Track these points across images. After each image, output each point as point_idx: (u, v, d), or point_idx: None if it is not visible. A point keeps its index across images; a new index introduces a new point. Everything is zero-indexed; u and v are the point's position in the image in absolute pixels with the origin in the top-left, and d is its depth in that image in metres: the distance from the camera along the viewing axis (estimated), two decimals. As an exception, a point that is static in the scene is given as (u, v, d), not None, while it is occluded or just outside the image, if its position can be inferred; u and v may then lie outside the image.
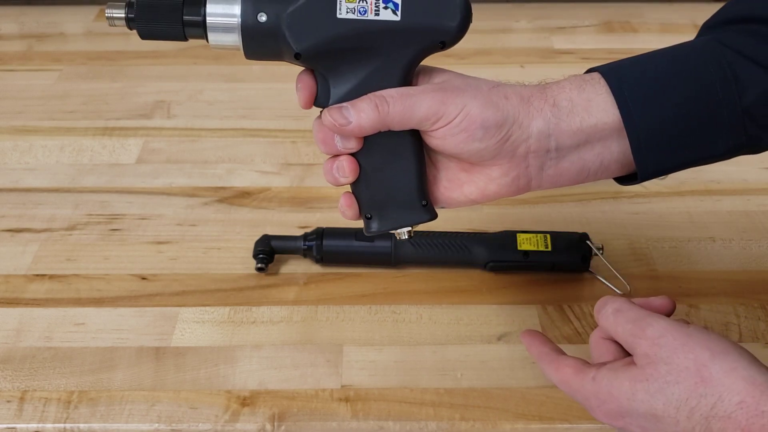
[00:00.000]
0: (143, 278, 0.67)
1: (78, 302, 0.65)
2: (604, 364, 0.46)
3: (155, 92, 0.94)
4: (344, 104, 0.48)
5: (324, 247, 0.67)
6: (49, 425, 0.56)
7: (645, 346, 0.44)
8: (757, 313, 0.64)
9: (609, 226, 0.73)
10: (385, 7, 0.47)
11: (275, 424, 0.56)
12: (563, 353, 0.50)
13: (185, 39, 0.50)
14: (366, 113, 0.47)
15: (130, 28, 0.49)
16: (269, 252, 0.67)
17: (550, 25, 1.08)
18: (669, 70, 0.50)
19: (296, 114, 0.88)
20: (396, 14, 0.47)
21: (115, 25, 0.49)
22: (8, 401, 0.57)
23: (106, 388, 0.58)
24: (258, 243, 0.68)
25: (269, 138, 0.85)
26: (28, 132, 0.86)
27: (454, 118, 0.47)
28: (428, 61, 0.51)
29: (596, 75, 0.50)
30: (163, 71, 0.98)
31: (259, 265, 0.66)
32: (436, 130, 0.48)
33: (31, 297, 0.66)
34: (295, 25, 0.47)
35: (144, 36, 0.50)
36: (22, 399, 0.57)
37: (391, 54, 0.48)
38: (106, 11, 0.49)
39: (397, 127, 0.48)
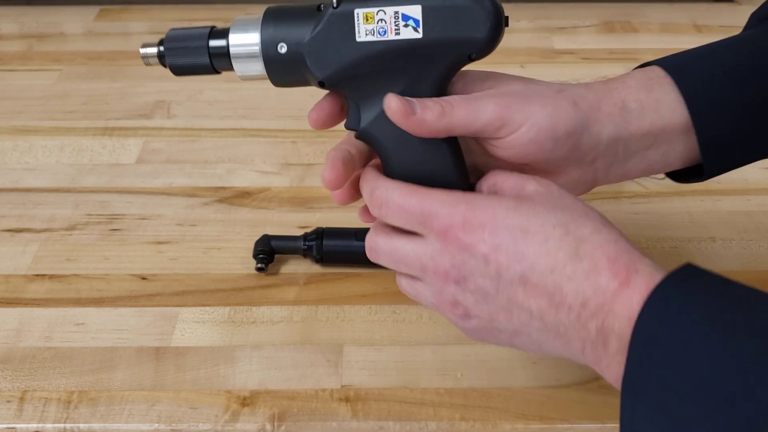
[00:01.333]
0: (143, 278, 0.67)
1: (78, 302, 0.65)
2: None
3: (155, 92, 0.94)
4: (409, 98, 0.46)
5: (324, 247, 0.67)
6: (49, 425, 0.56)
7: (530, 189, 0.45)
8: (757, 313, 0.64)
9: (609, 226, 0.73)
10: (406, 25, 0.45)
11: (275, 424, 0.56)
12: None
13: (215, 71, 0.50)
14: (431, 111, 0.45)
15: (164, 65, 0.50)
16: (269, 252, 0.67)
17: (551, 25, 1.08)
18: (735, 66, 0.49)
19: (296, 114, 0.88)
20: (417, 31, 0.45)
21: (150, 64, 0.51)
22: (8, 401, 0.57)
23: (106, 388, 0.58)
24: (258, 243, 0.68)
25: (269, 138, 0.85)
26: (28, 132, 0.86)
27: (521, 127, 0.45)
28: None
29: (661, 72, 0.49)
30: (163, 71, 0.97)
31: (259, 265, 0.66)
32: (501, 138, 0.46)
33: (31, 297, 0.66)
34: (315, 54, 0.46)
35: (177, 71, 0.50)
36: (22, 399, 0.57)
37: (419, 72, 0.47)
38: (141, 50, 0.50)
39: (459, 131, 0.46)
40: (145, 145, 0.84)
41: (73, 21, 1.11)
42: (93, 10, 1.13)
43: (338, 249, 0.67)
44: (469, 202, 0.44)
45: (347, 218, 0.74)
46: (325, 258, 0.67)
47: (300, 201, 0.76)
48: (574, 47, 1.02)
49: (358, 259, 0.68)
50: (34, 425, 0.56)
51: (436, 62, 0.47)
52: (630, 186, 0.78)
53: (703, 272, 0.40)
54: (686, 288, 0.39)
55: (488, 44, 0.46)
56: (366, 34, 0.46)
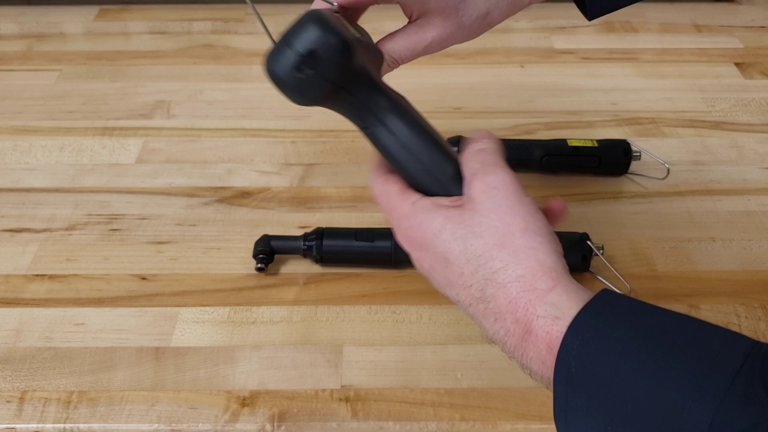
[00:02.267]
0: (143, 278, 0.67)
1: (78, 302, 0.65)
2: (432, 196, 0.47)
3: (155, 92, 0.93)
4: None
5: (324, 247, 0.67)
6: (48, 425, 0.56)
7: (477, 189, 0.45)
8: (757, 313, 0.64)
9: (609, 226, 0.73)
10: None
11: (275, 424, 0.56)
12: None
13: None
14: None
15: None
16: (269, 252, 0.67)
17: (551, 25, 1.08)
18: None
19: (296, 114, 0.88)
20: None
21: None
22: (8, 401, 0.57)
23: (105, 388, 0.58)
24: (258, 243, 0.68)
25: (269, 138, 0.85)
26: (28, 132, 0.86)
27: None
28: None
29: None
30: (163, 71, 0.98)
31: (259, 265, 0.66)
32: None
33: (30, 297, 0.66)
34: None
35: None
36: (21, 399, 0.57)
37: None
38: None
39: None
40: (145, 145, 0.84)
41: (73, 21, 1.11)
42: (93, 10, 1.13)
43: (338, 249, 0.67)
44: (409, 216, 0.47)
45: (347, 218, 0.74)
46: (325, 258, 0.67)
47: (300, 201, 0.76)
48: (573, 47, 1.02)
49: (358, 259, 0.68)
50: (33, 425, 0.56)
51: None
52: (630, 186, 0.78)
53: (610, 307, 0.41)
54: (594, 329, 0.40)
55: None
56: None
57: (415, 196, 0.47)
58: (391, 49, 0.55)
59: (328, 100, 0.49)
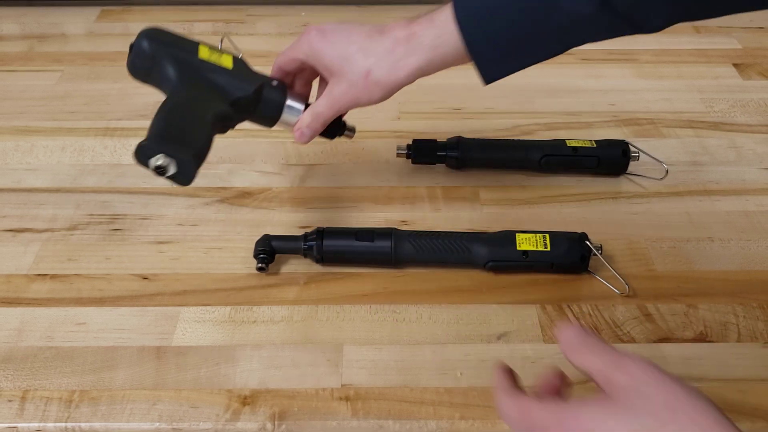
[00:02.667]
0: (144, 278, 0.68)
1: (79, 302, 0.65)
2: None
3: (156, 93, 0.93)
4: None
5: (324, 247, 0.67)
6: (50, 424, 0.56)
7: (623, 378, 0.43)
8: (755, 312, 0.64)
9: (608, 226, 0.73)
10: None
11: (276, 423, 0.56)
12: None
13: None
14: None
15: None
16: (270, 252, 0.67)
17: (550, 26, 1.08)
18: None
19: (297, 114, 0.88)
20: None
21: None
22: (10, 400, 0.57)
23: (107, 388, 0.58)
24: (258, 243, 0.68)
25: (270, 138, 0.85)
26: (30, 132, 0.87)
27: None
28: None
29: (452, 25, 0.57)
30: (164, 72, 0.98)
31: (260, 265, 0.67)
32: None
33: (32, 297, 0.66)
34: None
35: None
36: (23, 398, 0.58)
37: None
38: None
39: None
40: (146, 146, 0.84)
41: (74, 22, 1.11)
42: (94, 11, 1.14)
43: (338, 249, 0.67)
44: (557, 411, 0.44)
45: (347, 218, 0.74)
46: (325, 258, 0.67)
47: (300, 201, 0.77)
48: (573, 48, 1.02)
49: (359, 258, 0.68)
50: (35, 424, 0.56)
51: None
52: (629, 186, 0.78)
53: None
54: None
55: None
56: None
57: (556, 399, 0.46)
58: (315, 110, 0.65)
59: None
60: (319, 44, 0.62)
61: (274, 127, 0.68)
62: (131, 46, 0.63)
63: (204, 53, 0.64)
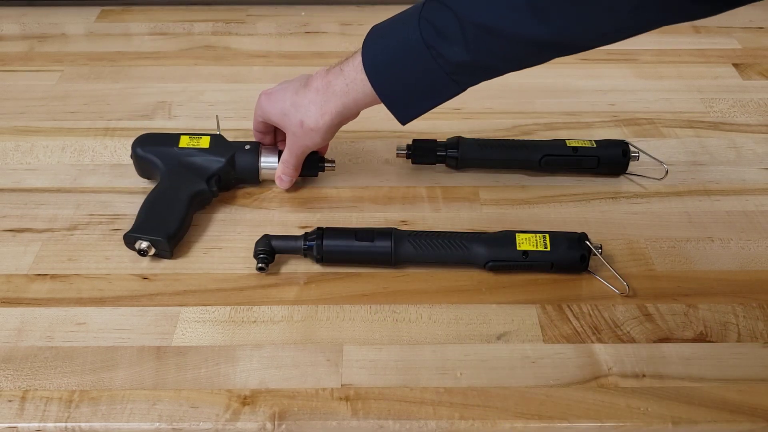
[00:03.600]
0: (144, 278, 0.68)
1: (79, 302, 0.65)
2: None
3: (156, 93, 0.94)
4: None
5: (324, 247, 0.67)
6: (50, 424, 0.56)
7: None
8: (755, 312, 0.64)
9: (608, 226, 0.73)
10: None
11: (276, 422, 0.56)
12: None
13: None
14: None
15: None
16: (270, 252, 0.67)
17: (550, 26, 1.08)
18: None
19: (296, 114, 0.88)
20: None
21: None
22: (10, 400, 0.58)
23: (107, 388, 0.58)
24: (259, 243, 0.68)
25: (270, 138, 0.85)
26: (30, 132, 0.87)
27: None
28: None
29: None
30: (165, 72, 0.98)
31: (260, 265, 0.67)
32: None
33: (32, 297, 0.66)
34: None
35: None
36: (23, 398, 0.58)
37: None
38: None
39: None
40: (146, 146, 0.84)
41: (74, 22, 1.11)
42: (94, 11, 1.14)
43: (338, 249, 0.67)
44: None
45: (347, 218, 0.74)
46: (325, 258, 0.67)
47: (300, 201, 0.77)
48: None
49: (358, 258, 0.68)
50: (35, 424, 0.56)
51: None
52: (628, 186, 0.78)
53: None
54: None
55: None
56: None
57: None
58: (282, 160, 0.76)
59: None
60: (266, 106, 0.73)
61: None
62: (131, 156, 0.77)
63: (183, 142, 0.76)
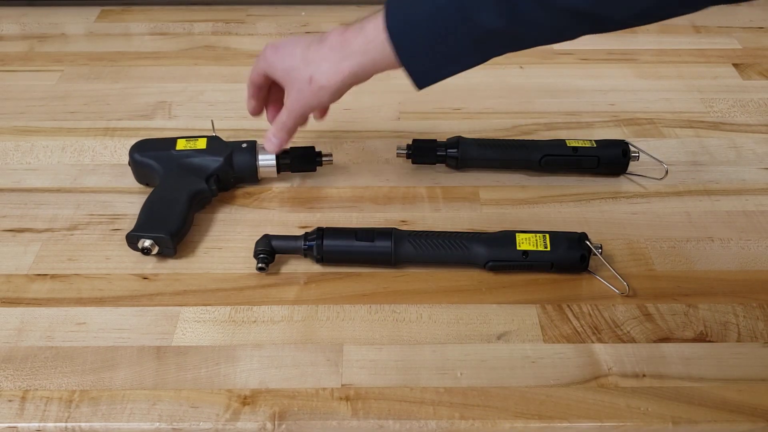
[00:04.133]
0: (144, 278, 0.68)
1: (79, 302, 0.65)
2: None
3: (156, 93, 0.94)
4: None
5: (324, 246, 0.67)
6: (50, 424, 0.56)
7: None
8: (755, 312, 0.64)
9: (608, 226, 0.73)
10: None
11: (276, 422, 0.56)
12: None
13: None
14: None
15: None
16: (270, 252, 0.67)
17: (550, 26, 1.08)
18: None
19: (297, 114, 0.88)
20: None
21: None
22: (10, 400, 0.58)
23: (107, 388, 0.58)
24: (259, 243, 0.68)
25: (270, 138, 0.85)
26: (30, 132, 0.87)
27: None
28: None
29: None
30: (164, 72, 0.98)
31: (260, 265, 0.67)
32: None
33: (32, 297, 0.66)
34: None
35: None
36: (23, 398, 0.58)
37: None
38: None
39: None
40: (146, 146, 0.84)
41: (75, 22, 1.11)
42: (94, 11, 1.14)
43: (338, 249, 0.67)
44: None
45: (347, 218, 0.74)
46: (325, 258, 0.67)
47: (300, 201, 0.77)
48: (572, 48, 1.03)
49: (358, 258, 0.68)
50: (35, 424, 0.56)
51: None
52: (628, 186, 0.78)
53: None
54: None
55: None
56: None
57: None
58: (278, 120, 0.72)
59: None
60: (272, 58, 0.69)
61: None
62: (129, 163, 0.77)
63: (180, 145, 0.76)
